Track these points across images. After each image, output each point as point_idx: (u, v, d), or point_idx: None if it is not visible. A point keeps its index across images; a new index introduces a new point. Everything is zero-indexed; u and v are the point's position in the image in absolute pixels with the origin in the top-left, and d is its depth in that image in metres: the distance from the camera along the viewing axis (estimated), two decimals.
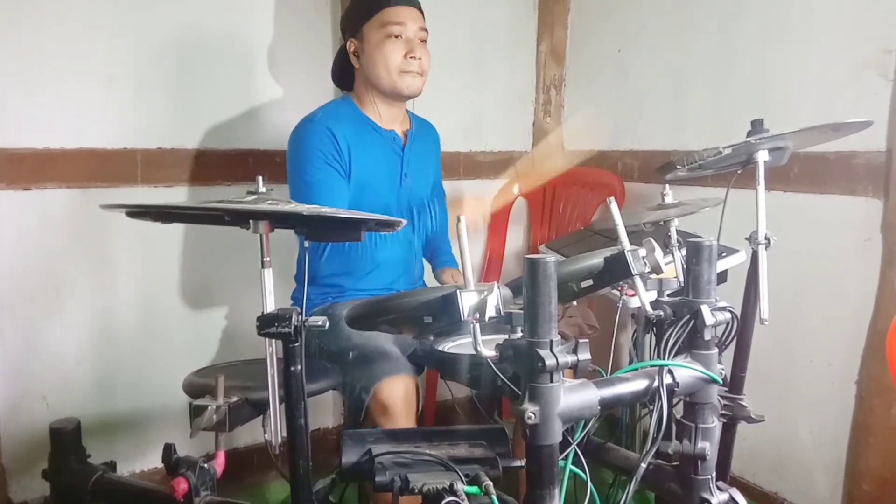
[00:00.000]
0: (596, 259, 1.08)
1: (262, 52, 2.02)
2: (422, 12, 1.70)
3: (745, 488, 1.96)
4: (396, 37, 1.64)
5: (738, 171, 1.46)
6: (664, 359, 0.97)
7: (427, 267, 1.94)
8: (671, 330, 0.99)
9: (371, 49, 1.66)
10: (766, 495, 1.95)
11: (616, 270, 1.05)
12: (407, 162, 1.76)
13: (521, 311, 0.86)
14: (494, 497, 0.90)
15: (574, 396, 0.86)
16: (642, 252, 1.05)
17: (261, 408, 1.23)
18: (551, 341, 0.82)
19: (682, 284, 1.18)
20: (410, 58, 1.64)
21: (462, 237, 0.92)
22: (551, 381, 0.83)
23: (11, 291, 1.75)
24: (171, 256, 1.96)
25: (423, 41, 1.69)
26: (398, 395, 1.41)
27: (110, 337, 1.89)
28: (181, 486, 1.14)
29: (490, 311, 0.90)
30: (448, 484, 0.91)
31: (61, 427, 1.39)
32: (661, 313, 1.02)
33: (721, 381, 0.98)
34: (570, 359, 0.83)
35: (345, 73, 1.77)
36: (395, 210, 1.74)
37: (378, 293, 1.69)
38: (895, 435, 1.66)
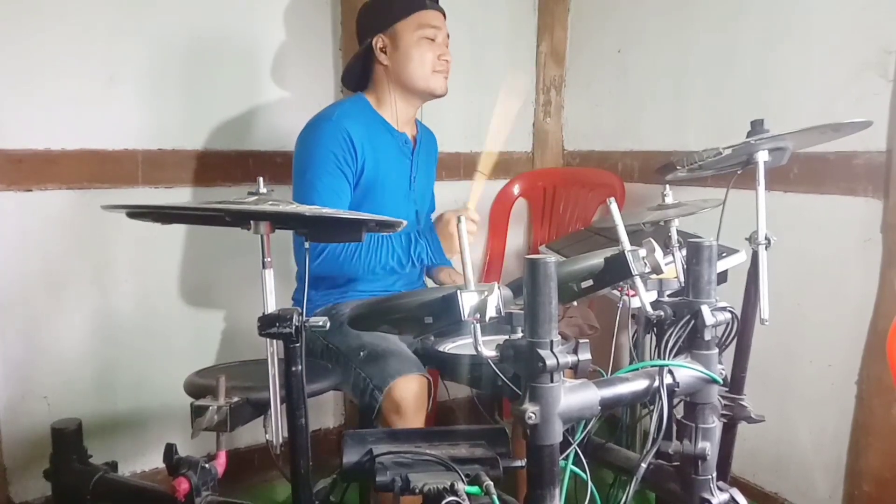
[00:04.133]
0: (596, 259, 1.08)
1: (263, 53, 2.02)
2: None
3: (746, 488, 1.96)
4: (431, 39, 1.68)
5: (738, 172, 1.46)
6: (664, 359, 0.97)
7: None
8: (671, 330, 0.99)
9: (407, 47, 1.67)
10: (766, 495, 1.95)
11: (616, 271, 1.05)
12: (416, 166, 1.77)
13: (522, 312, 0.86)
14: (495, 497, 0.90)
15: (574, 396, 0.86)
16: (642, 252, 1.05)
17: (262, 408, 1.23)
18: (552, 341, 0.82)
19: (683, 285, 1.18)
20: (444, 60, 1.70)
21: (462, 237, 0.93)
22: (552, 382, 0.83)
23: (12, 292, 1.75)
24: (172, 257, 1.96)
25: (447, 46, 1.74)
26: (412, 393, 1.41)
27: (111, 337, 1.89)
28: (182, 486, 1.14)
29: (490, 312, 0.90)
30: (449, 484, 0.91)
31: (63, 427, 1.39)
32: (662, 313, 1.02)
33: (721, 382, 0.99)
34: (571, 359, 0.83)
35: (361, 73, 1.76)
36: (403, 213, 1.73)
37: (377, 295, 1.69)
38: (895, 435, 1.66)
